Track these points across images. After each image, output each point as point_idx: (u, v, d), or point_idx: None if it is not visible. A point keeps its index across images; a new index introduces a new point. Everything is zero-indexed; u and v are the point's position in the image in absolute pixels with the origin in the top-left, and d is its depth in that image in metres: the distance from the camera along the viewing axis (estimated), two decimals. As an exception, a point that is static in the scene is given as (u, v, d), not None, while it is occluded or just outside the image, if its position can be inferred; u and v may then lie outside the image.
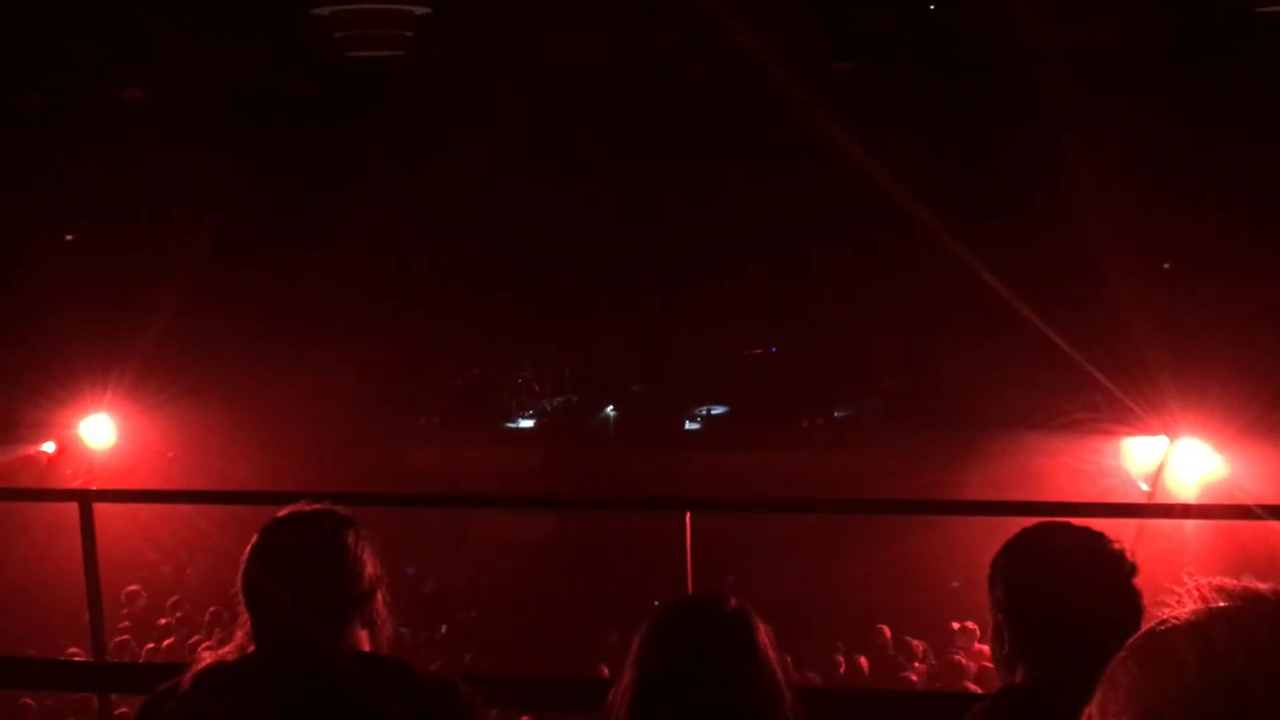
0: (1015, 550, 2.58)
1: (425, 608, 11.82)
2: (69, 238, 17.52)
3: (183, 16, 14.93)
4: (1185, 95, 14.73)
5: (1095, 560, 2.47)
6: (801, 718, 2.50)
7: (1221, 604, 1.13)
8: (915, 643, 10.32)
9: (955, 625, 10.32)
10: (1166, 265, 15.62)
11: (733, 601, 2.55)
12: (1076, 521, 2.64)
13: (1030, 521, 2.68)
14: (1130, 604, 2.38)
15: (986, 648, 9.81)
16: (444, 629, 11.68)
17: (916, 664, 10.03)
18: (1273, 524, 4.37)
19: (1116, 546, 2.50)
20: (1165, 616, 1.15)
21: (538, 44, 16.85)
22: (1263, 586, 1.14)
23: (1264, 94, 14.11)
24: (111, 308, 14.76)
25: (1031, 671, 2.50)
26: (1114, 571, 2.43)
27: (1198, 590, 1.15)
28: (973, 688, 8.27)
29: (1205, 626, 1.11)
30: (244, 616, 2.59)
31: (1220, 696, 1.06)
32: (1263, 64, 13.77)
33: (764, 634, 2.49)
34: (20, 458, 13.66)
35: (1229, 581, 1.14)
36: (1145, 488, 12.34)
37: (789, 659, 9.33)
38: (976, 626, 10.17)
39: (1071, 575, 2.45)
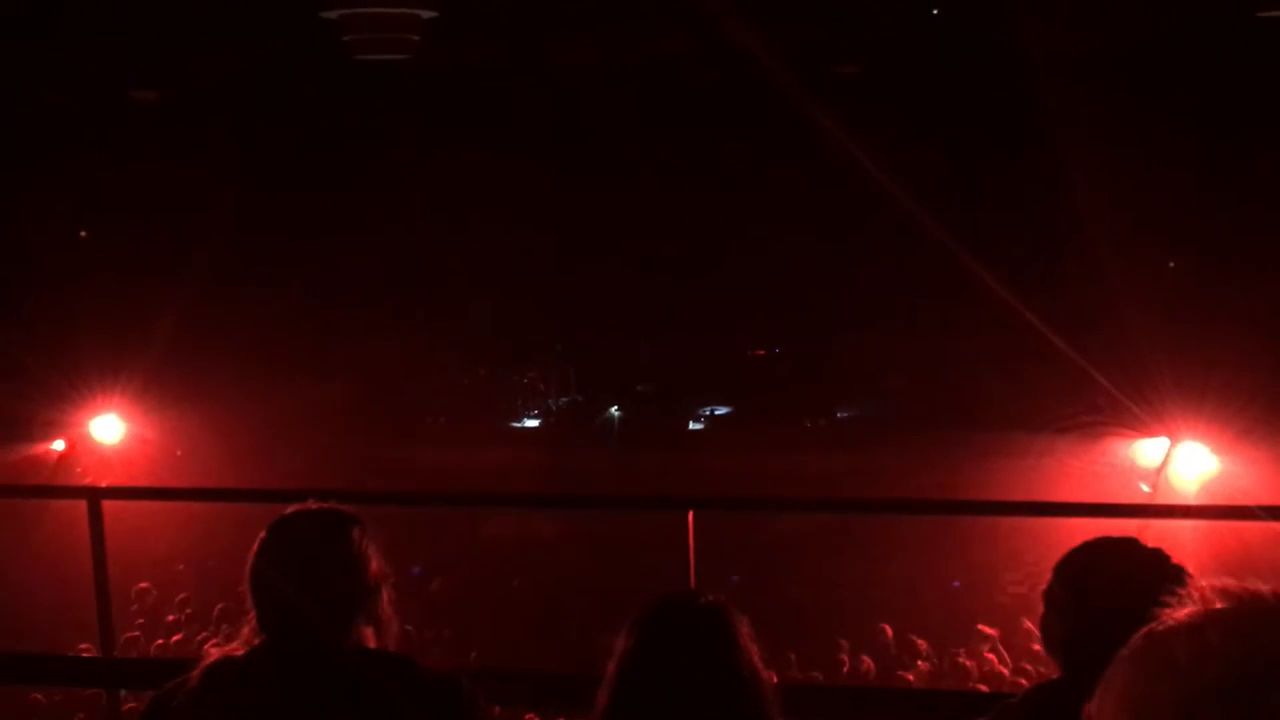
0: (1076, 557, 2.66)
1: (431, 606, 11.87)
2: (82, 234, 17.57)
3: (193, 18, 14.97)
4: (1187, 98, 14.73)
5: (1163, 580, 2.50)
6: (783, 707, 2.54)
7: (1220, 605, 1.13)
8: (919, 642, 10.34)
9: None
10: (1171, 264, 15.60)
11: (708, 597, 2.61)
12: (1102, 531, 2.69)
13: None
14: None
15: (993, 656, 9.84)
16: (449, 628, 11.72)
17: (919, 663, 10.05)
18: (1274, 525, 4.40)
19: (1182, 569, 2.55)
20: (1165, 617, 1.15)
21: (545, 47, 16.87)
22: (1264, 588, 1.13)
23: (1265, 96, 14.12)
24: (122, 308, 14.81)
25: (1065, 670, 2.56)
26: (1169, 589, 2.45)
27: (1198, 591, 1.15)
28: (981, 688, 8.29)
29: (1201, 628, 1.11)
30: (251, 613, 2.64)
31: (1214, 698, 1.06)
32: (1264, 67, 13.78)
33: (741, 627, 2.55)
34: (31, 455, 13.73)
35: (1230, 583, 1.14)
36: (1147, 489, 12.36)
37: (792, 656, 9.36)
38: (996, 633, 10.16)
39: (1140, 590, 2.47)
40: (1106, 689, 1.15)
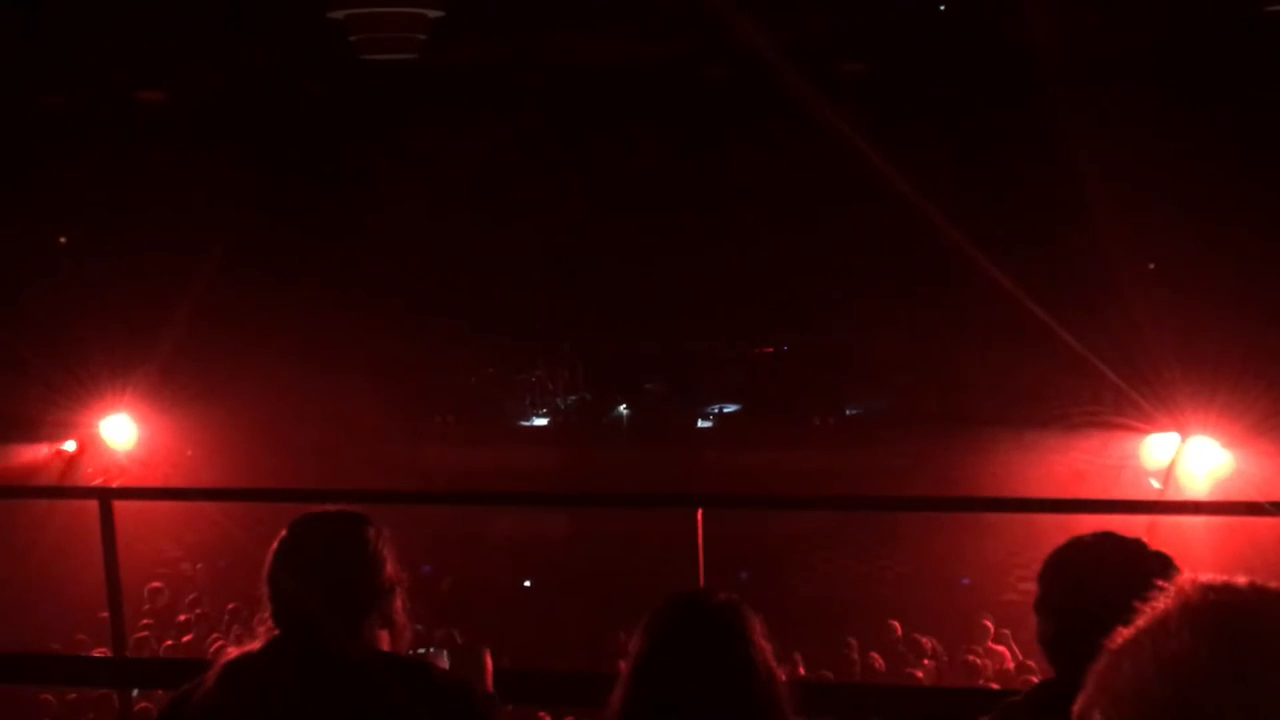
0: (1062, 556, 2.66)
1: (442, 605, 11.89)
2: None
3: (197, 20, 15.01)
4: (1194, 94, 14.70)
5: (1139, 570, 2.51)
6: (796, 705, 2.55)
7: (1196, 599, 1.13)
8: (925, 640, 10.33)
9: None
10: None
11: (721, 596, 2.62)
12: (1112, 528, 2.69)
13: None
14: None
15: (1002, 648, 9.84)
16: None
17: (926, 661, 10.05)
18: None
19: (1165, 558, 2.54)
20: (1146, 611, 1.15)
21: (550, 45, 16.88)
22: (1241, 582, 1.14)
23: (1273, 91, 14.10)
24: (131, 309, 14.85)
25: (1066, 669, 2.56)
26: (1150, 582, 2.45)
27: (1179, 586, 1.15)
28: (994, 686, 8.28)
29: (1168, 621, 1.12)
30: (266, 614, 2.65)
31: (1172, 689, 1.07)
32: (1273, 60, 13.75)
33: (755, 625, 2.56)
34: (41, 456, 13.77)
35: (1211, 578, 1.14)
36: (1157, 485, 12.31)
37: (797, 655, 9.35)
38: (992, 625, 10.18)
39: (1115, 584, 2.48)
40: (1092, 685, 1.15)
